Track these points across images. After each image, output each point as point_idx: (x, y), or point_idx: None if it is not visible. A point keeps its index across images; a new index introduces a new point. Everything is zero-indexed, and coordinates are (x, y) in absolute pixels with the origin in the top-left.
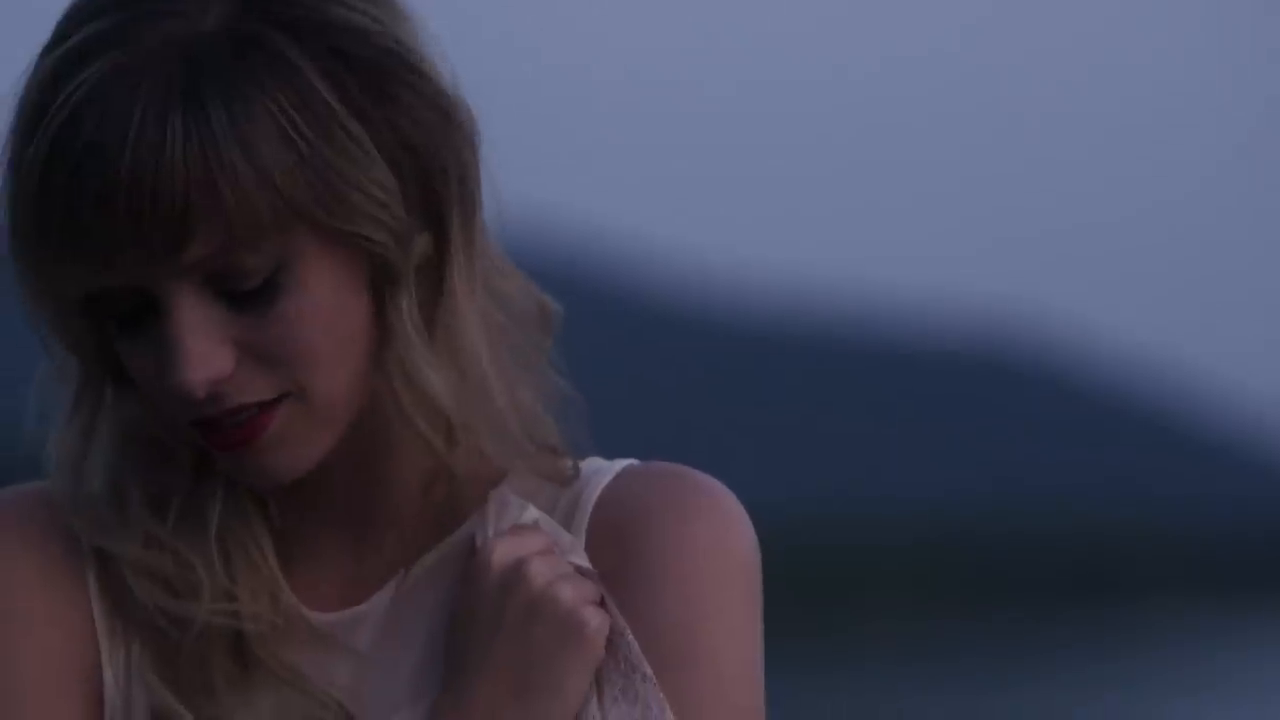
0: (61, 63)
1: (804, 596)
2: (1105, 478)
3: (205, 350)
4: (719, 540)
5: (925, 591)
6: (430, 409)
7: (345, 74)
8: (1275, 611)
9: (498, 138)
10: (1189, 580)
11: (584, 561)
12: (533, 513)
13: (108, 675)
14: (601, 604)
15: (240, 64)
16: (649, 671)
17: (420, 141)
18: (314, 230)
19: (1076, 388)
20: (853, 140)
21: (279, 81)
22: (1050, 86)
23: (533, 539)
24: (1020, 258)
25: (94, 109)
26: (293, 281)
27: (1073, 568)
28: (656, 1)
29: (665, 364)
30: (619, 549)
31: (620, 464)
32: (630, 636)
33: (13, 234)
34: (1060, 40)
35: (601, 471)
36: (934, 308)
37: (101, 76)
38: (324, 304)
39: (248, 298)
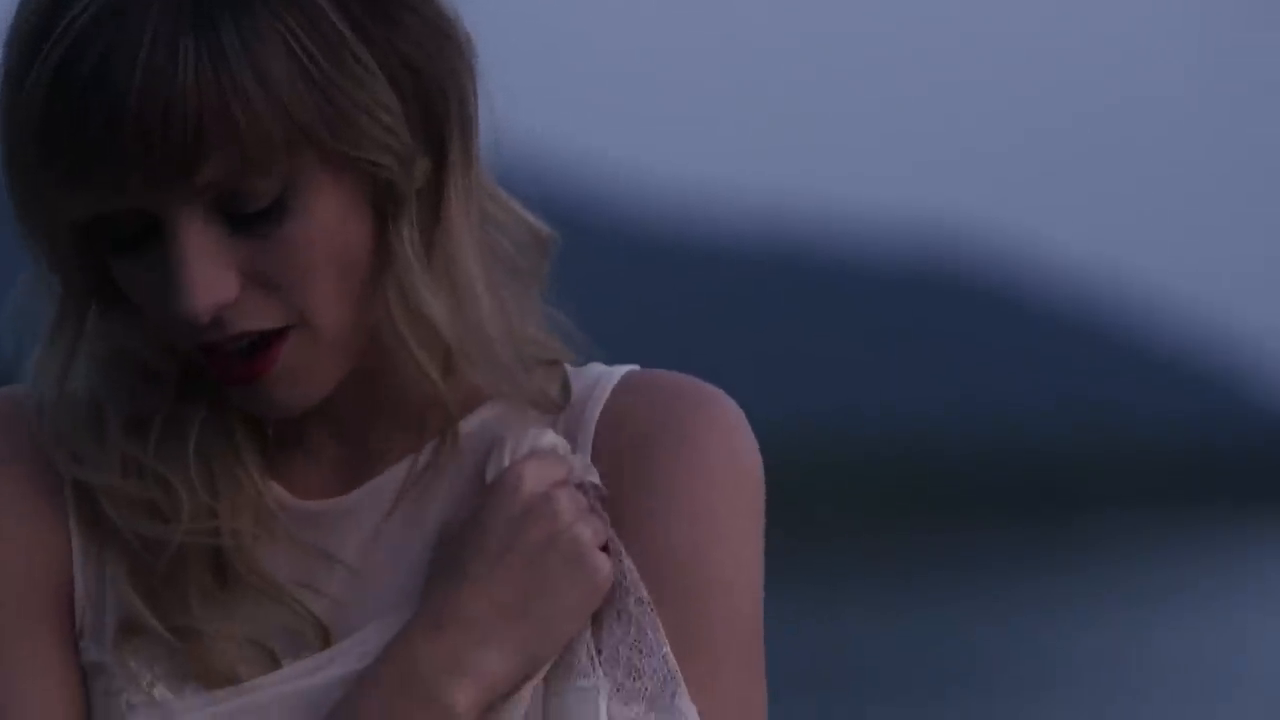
0: None
1: (773, 513)
2: (1056, 393)
3: (211, 275)
4: (728, 459)
5: (879, 508)
6: (429, 335)
7: None
8: (1227, 523)
9: (493, 61)
10: (1141, 493)
11: (596, 479)
12: (551, 438)
13: (79, 586)
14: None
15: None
16: (644, 595)
17: (421, 64)
18: (320, 154)
19: (1028, 303)
20: (809, 58)
21: (286, 3)
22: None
23: (555, 467)
24: (969, 172)
25: (101, 30)
26: (299, 205)
27: (1023, 483)
28: None
29: (616, 280)
30: (627, 469)
31: (620, 370)
32: (627, 560)
33: (10, 158)
34: None
35: (603, 382)
36: (886, 225)
37: None
38: (329, 228)
39: (253, 221)
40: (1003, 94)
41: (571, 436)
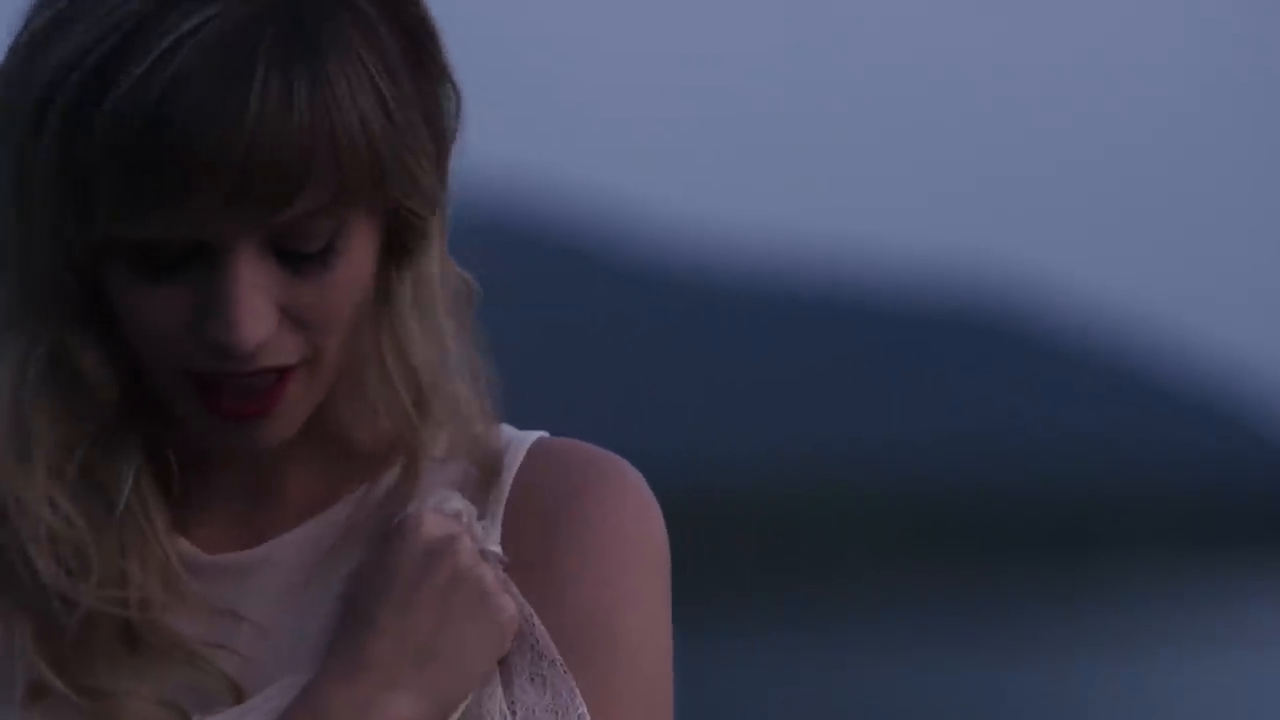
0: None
1: (779, 549)
2: (1074, 430)
3: (260, 309)
4: (638, 529)
5: (891, 544)
6: (412, 382)
7: (404, 39)
8: (1247, 565)
9: (505, 96)
10: (1159, 531)
11: (497, 547)
12: (458, 502)
13: None
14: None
15: (341, 23)
16: (558, 658)
17: (439, 112)
18: (372, 197)
19: (1046, 340)
20: (834, 105)
21: (369, 44)
22: (1019, 40)
23: (457, 524)
24: (987, 206)
25: (210, 59)
26: (344, 247)
27: (1041, 520)
28: None
29: (639, 321)
30: (536, 537)
31: (531, 438)
32: (538, 624)
33: (68, 166)
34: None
35: (515, 447)
36: (903, 260)
37: (212, 22)
38: (362, 272)
39: (304, 260)
40: (1023, 126)
41: (482, 501)
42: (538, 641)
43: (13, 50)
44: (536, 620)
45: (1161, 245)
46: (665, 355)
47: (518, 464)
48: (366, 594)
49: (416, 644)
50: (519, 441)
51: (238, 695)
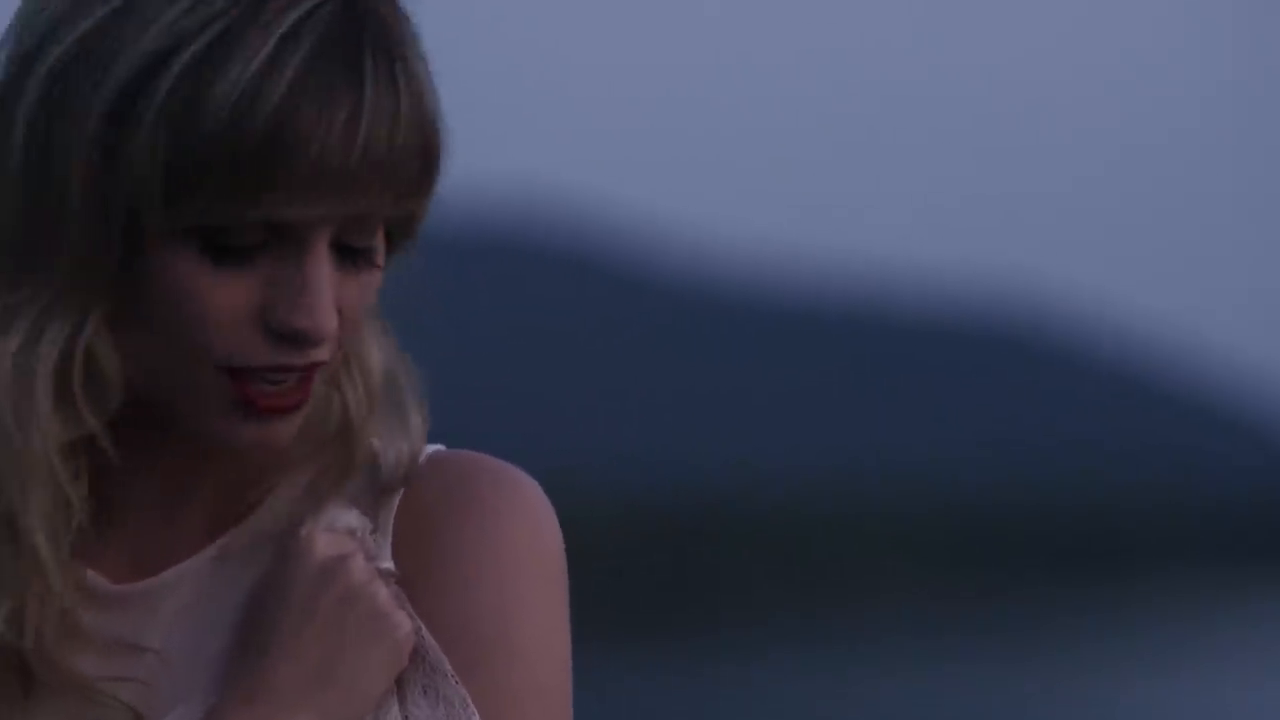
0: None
1: (807, 567)
2: (1105, 447)
3: (330, 299)
4: (530, 537)
5: (924, 563)
6: (366, 385)
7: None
8: (1263, 577)
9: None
10: (1195, 548)
11: (389, 564)
12: (353, 518)
13: None
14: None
15: (399, 14)
16: (450, 670)
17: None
18: (428, 195)
19: (1080, 357)
20: (845, 115)
21: (414, 35)
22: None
23: (348, 543)
24: (1011, 220)
25: (324, 44)
26: (379, 248)
27: (1075, 538)
28: None
29: (665, 335)
30: (429, 547)
31: (425, 450)
32: (429, 636)
33: (164, 151)
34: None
35: (408, 459)
36: (920, 275)
37: (321, 9)
38: (380, 273)
39: (356, 256)
40: (1030, 137)
41: (374, 507)
42: (429, 654)
43: (78, 38)
44: (426, 633)
45: (1173, 254)
46: (669, 365)
47: (411, 476)
48: (262, 617)
49: (314, 666)
50: (402, 460)
51: None
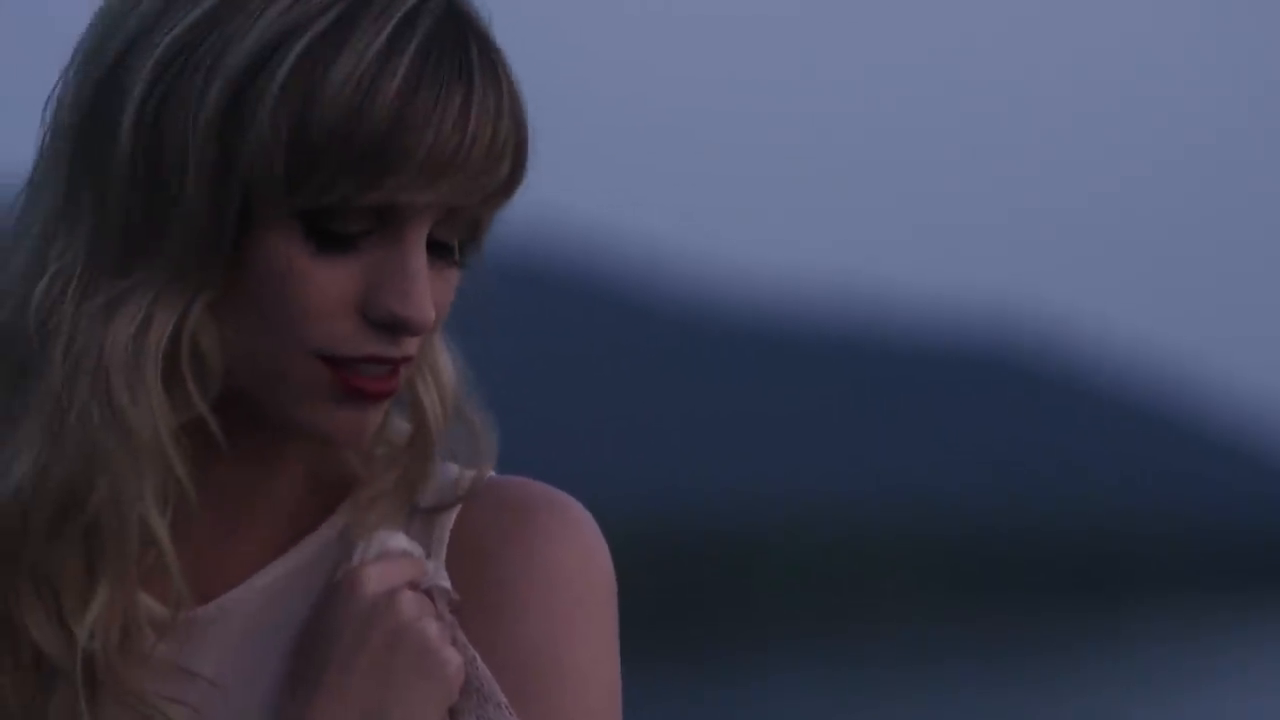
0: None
1: (806, 590)
2: (1107, 473)
3: (429, 290)
4: (582, 564)
5: (926, 587)
6: (443, 393)
7: None
8: (1270, 604)
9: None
10: (1193, 575)
11: (446, 583)
12: (402, 541)
13: None
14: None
15: (482, 15)
16: (503, 700)
17: None
18: (512, 195)
19: (1077, 382)
20: (845, 138)
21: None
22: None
23: (402, 567)
24: (1011, 246)
25: (439, 29)
26: (458, 250)
27: (1073, 564)
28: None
29: (670, 360)
30: (482, 573)
31: (472, 474)
32: (482, 666)
33: (283, 134)
34: (1045, 28)
35: (453, 491)
36: (928, 301)
37: (439, 12)
38: (459, 276)
39: (446, 252)
40: (1036, 160)
41: (426, 538)
42: (482, 684)
43: (187, 28)
44: (480, 662)
45: (1174, 279)
46: (667, 388)
47: (461, 501)
48: (313, 652)
49: (363, 704)
50: (458, 481)
51: None
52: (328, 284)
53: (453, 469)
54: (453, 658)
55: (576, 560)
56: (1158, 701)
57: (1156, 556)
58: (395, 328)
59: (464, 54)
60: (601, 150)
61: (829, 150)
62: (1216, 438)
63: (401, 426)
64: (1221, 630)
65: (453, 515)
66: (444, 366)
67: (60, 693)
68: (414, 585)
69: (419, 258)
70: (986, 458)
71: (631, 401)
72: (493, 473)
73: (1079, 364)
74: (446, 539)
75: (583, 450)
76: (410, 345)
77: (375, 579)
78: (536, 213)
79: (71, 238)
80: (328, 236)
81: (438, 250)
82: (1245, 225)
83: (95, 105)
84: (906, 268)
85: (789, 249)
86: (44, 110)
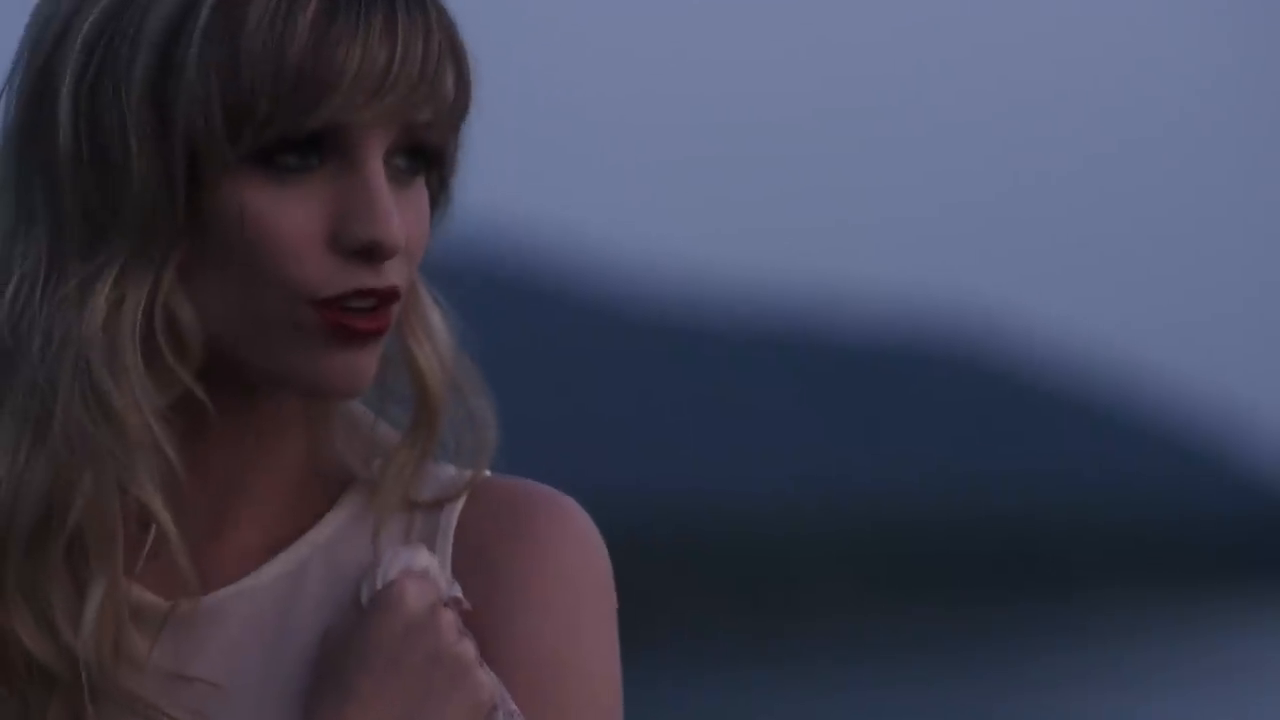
0: None
1: (754, 587)
2: (1049, 468)
3: (394, 208)
4: (583, 562)
5: (869, 583)
6: (438, 349)
7: None
8: (1223, 599)
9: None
10: (1136, 569)
11: (459, 594)
12: (425, 558)
13: None
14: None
15: None
16: (512, 707)
17: None
18: (458, 126)
19: (1019, 377)
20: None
21: None
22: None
23: (436, 585)
24: (952, 240)
25: None
26: (422, 176)
27: (1018, 559)
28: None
29: (612, 357)
30: (485, 574)
31: (467, 475)
32: (491, 675)
33: (213, 79)
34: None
35: (454, 488)
36: (879, 299)
37: None
38: (428, 209)
39: (405, 176)
40: (985, 152)
41: (429, 540)
42: (493, 689)
43: (104, 8)
44: (489, 672)
45: (1124, 275)
46: (619, 389)
47: (460, 504)
48: (346, 663)
49: (395, 718)
50: (459, 479)
51: None
52: (292, 221)
53: (450, 469)
54: (485, 682)
55: (577, 560)
56: (1105, 694)
57: (1103, 550)
58: (370, 253)
59: None
60: (559, 152)
61: (761, 138)
62: (1162, 434)
63: (391, 434)
64: (1169, 625)
65: (455, 513)
66: (437, 324)
67: (56, 700)
68: (442, 602)
69: (377, 177)
70: (931, 455)
71: (576, 401)
72: (488, 473)
73: (1024, 361)
74: (451, 538)
75: (528, 450)
76: (392, 273)
77: (414, 595)
78: (491, 215)
79: (31, 237)
80: (282, 174)
81: (398, 176)
82: (1189, 217)
83: (34, 99)
84: (834, 261)
85: (729, 249)
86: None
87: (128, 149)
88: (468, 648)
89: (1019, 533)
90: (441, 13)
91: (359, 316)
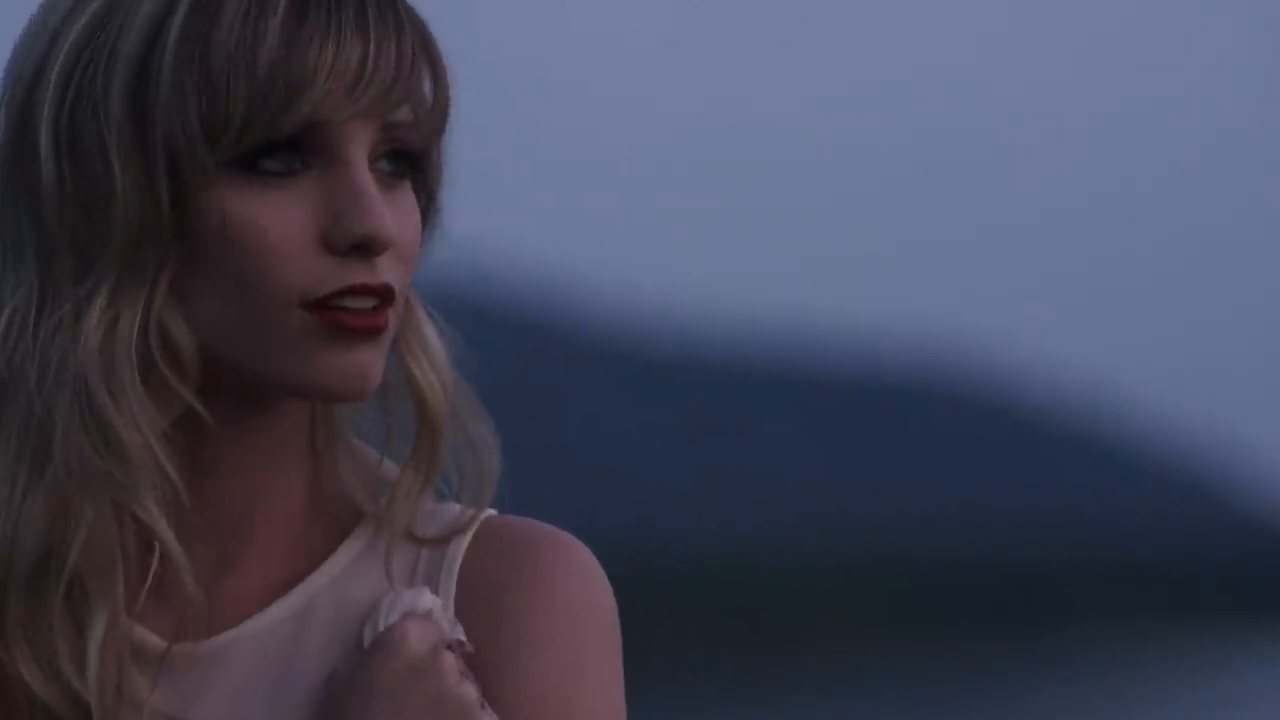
0: None
1: (747, 622)
2: (1047, 503)
3: (383, 204)
4: (587, 606)
5: (863, 617)
6: (436, 366)
7: None
8: (1222, 634)
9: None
10: (1134, 604)
11: (463, 636)
12: (428, 599)
13: None
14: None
15: None
16: None
17: None
18: (439, 134)
19: (1018, 413)
20: (789, 174)
21: None
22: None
23: (439, 626)
24: (954, 278)
25: None
26: (408, 179)
27: (1015, 594)
28: (611, 25)
29: (601, 392)
30: (490, 615)
31: (470, 512)
32: (493, 715)
33: (189, 86)
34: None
35: (459, 524)
36: (878, 335)
37: None
38: (417, 215)
39: (389, 177)
40: (982, 189)
41: (433, 579)
42: None
43: (78, 35)
44: (491, 711)
45: (1119, 308)
46: (610, 424)
47: (465, 544)
48: (349, 706)
49: None
50: (464, 515)
51: None
52: (280, 225)
53: (455, 507)
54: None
55: (582, 599)
56: None
57: (1102, 585)
58: (363, 248)
59: None
60: (537, 186)
61: (763, 172)
62: (1155, 465)
63: (396, 471)
64: (1168, 659)
65: (460, 551)
66: (433, 340)
67: None
68: (445, 644)
69: (362, 173)
70: (925, 489)
71: (566, 436)
72: (492, 511)
73: (1021, 394)
74: (456, 575)
75: (517, 485)
76: (387, 270)
77: (416, 637)
78: (471, 246)
79: (20, 269)
80: (266, 179)
81: (384, 179)
82: (1192, 254)
83: (16, 130)
84: (834, 297)
85: (727, 279)
86: None
87: (110, 167)
88: (470, 690)
89: (1018, 568)
90: (411, 12)
91: (355, 314)
